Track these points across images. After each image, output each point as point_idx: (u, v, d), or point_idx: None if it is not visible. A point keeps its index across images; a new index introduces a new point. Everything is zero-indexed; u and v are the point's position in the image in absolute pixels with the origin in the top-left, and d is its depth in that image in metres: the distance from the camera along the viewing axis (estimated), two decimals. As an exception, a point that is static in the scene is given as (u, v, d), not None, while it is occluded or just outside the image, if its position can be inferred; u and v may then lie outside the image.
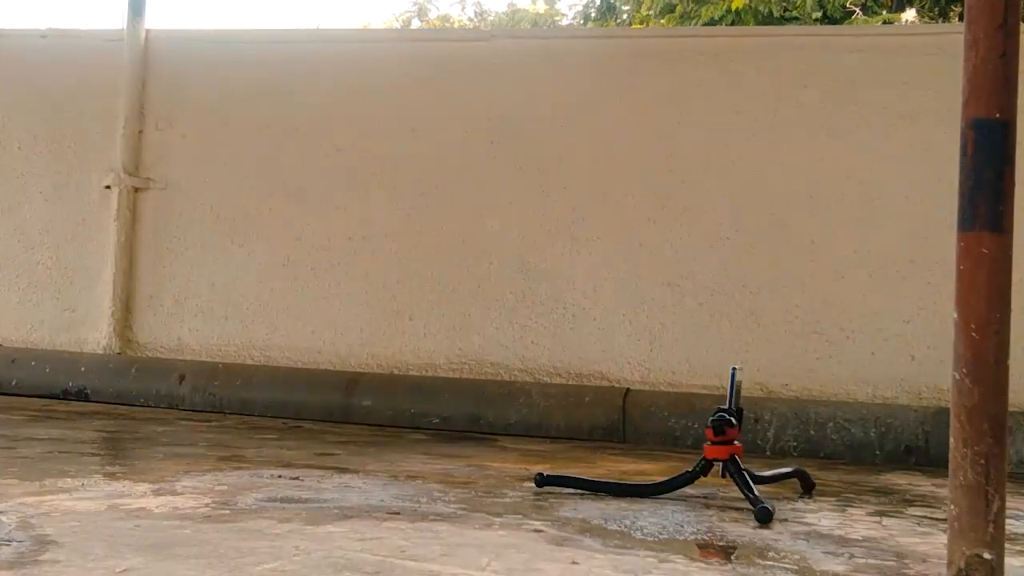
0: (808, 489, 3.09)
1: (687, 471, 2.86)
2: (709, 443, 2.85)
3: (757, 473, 3.01)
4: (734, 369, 2.94)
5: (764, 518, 2.53)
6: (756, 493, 2.71)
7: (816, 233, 4.76)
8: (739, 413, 2.89)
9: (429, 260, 5.19)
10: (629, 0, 12.36)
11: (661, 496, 2.85)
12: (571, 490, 2.87)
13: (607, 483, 2.98)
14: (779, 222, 4.81)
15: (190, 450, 3.48)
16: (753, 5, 10.05)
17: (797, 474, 3.18)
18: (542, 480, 2.87)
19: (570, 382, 4.91)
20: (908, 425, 4.24)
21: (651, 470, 3.46)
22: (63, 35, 5.97)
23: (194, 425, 4.38)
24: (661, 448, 4.28)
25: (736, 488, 2.80)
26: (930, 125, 4.62)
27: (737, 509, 2.70)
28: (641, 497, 2.84)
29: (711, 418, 2.86)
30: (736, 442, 2.85)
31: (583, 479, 2.96)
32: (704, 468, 2.84)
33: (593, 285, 4.98)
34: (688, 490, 2.90)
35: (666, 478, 2.91)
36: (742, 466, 2.81)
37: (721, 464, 2.83)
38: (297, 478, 2.85)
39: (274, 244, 5.40)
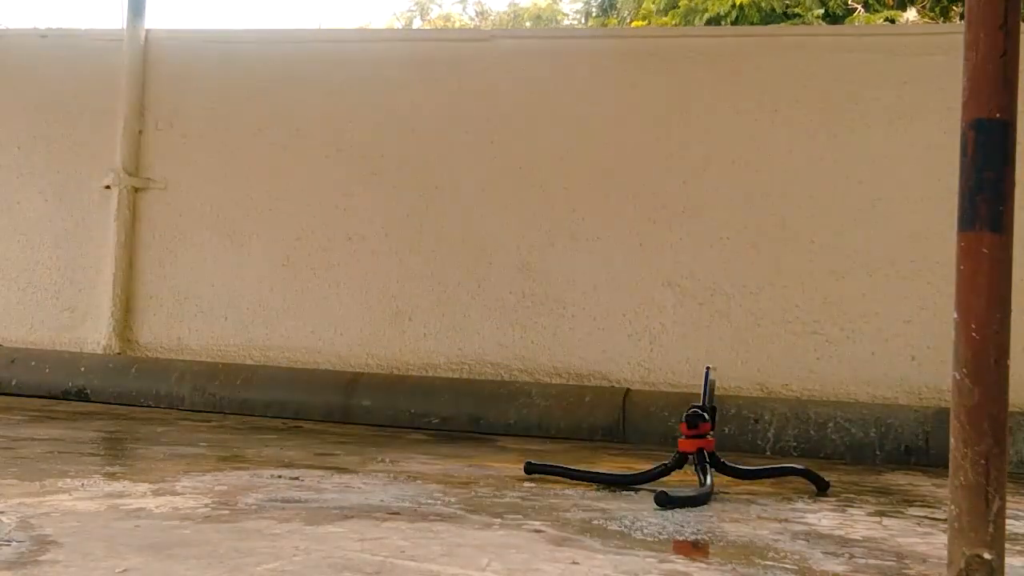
0: (822, 487, 3.10)
1: (663, 463, 3.01)
2: (683, 437, 2.99)
3: (742, 467, 3.15)
4: (708, 369, 3.09)
5: (661, 501, 2.62)
6: (709, 481, 2.85)
7: (816, 233, 4.76)
8: (712, 411, 3.03)
9: (429, 260, 5.19)
10: (630, -2, 12.37)
11: (645, 489, 2.91)
12: (571, 490, 2.88)
13: (588, 472, 3.11)
14: (779, 222, 4.81)
15: (190, 450, 3.48)
16: (756, 1, 10.06)
17: (794, 471, 3.21)
18: (530, 468, 3.10)
19: (570, 382, 4.91)
20: (908, 425, 4.24)
21: (651, 470, 3.46)
22: (63, 35, 5.98)
23: (194, 425, 4.38)
24: (661, 448, 4.26)
25: (738, 489, 2.83)
26: (930, 125, 4.62)
27: (738, 510, 2.70)
28: (620, 487, 2.96)
29: (685, 413, 2.99)
30: (709, 435, 2.99)
31: (568, 468, 3.12)
32: (678, 461, 2.99)
33: (593, 285, 4.97)
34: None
35: (643, 470, 3.04)
36: (709, 459, 2.95)
37: (692, 455, 2.96)
38: (297, 478, 2.85)
39: (274, 244, 5.40)
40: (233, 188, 5.50)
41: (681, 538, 2.26)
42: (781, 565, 1.99)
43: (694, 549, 2.18)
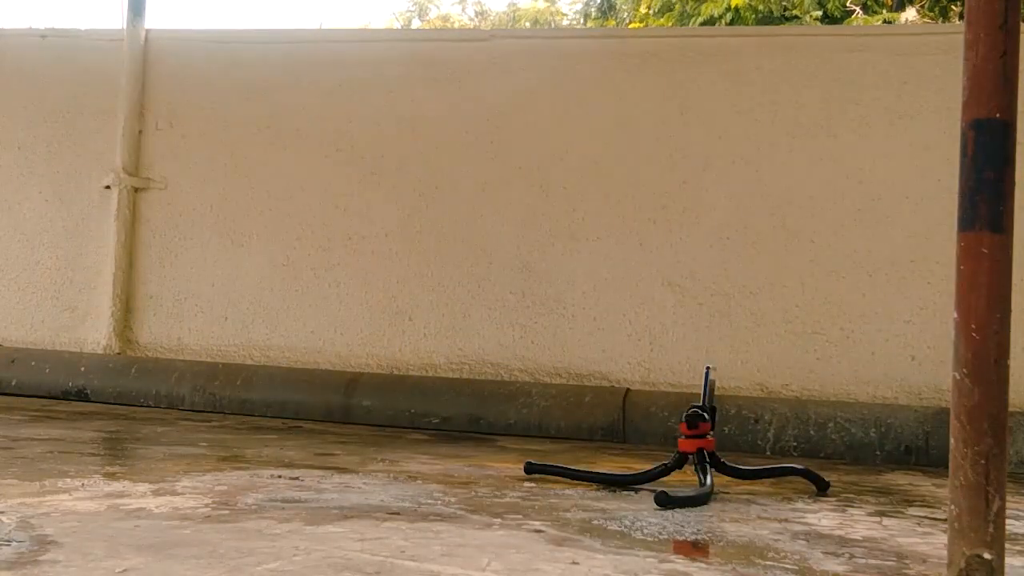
0: (822, 487, 3.10)
1: (663, 463, 3.02)
2: (683, 437, 3.00)
3: (742, 467, 3.16)
4: (708, 369, 3.10)
5: (661, 501, 2.63)
6: (709, 481, 2.86)
7: (816, 233, 4.76)
8: (712, 411, 3.04)
9: (429, 260, 5.19)
10: (628, -1, 12.38)
11: (645, 489, 2.92)
12: (571, 490, 2.88)
13: (588, 472, 3.13)
14: (779, 222, 4.81)
15: (190, 450, 3.48)
16: (753, 3, 10.06)
17: (794, 471, 3.22)
18: (530, 468, 3.12)
19: (570, 382, 4.91)
20: (908, 425, 4.24)
21: (651, 470, 3.46)
22: (63, 35, 5.97)
23: (194, 425, 4.38)
24: (661, 448, 4.27)
25: (738, 489, 2.83)
26: (930, 125, 4.62)
27: (738, 510, 2.70)
28: (620, 487, 2.97)
29: (685, 413, 3.01)
30: (709, 435, 3.00)
31: (568, 468, 3.14)
32: (678, 461, 3.00)
33: (593, 285, 4.98)
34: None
35: (643, 470, 3.05)
36: (709, 459, 2.96)
37: (691, 455, 2.98)
38: (297, 478, 2.85)
39: (274, 244, 5.40)
40: (233, 188, 5.50)
41: (681, 538, 2.26)
42: (781, 565, 1.99)
43: (694, 549, 2.18)
